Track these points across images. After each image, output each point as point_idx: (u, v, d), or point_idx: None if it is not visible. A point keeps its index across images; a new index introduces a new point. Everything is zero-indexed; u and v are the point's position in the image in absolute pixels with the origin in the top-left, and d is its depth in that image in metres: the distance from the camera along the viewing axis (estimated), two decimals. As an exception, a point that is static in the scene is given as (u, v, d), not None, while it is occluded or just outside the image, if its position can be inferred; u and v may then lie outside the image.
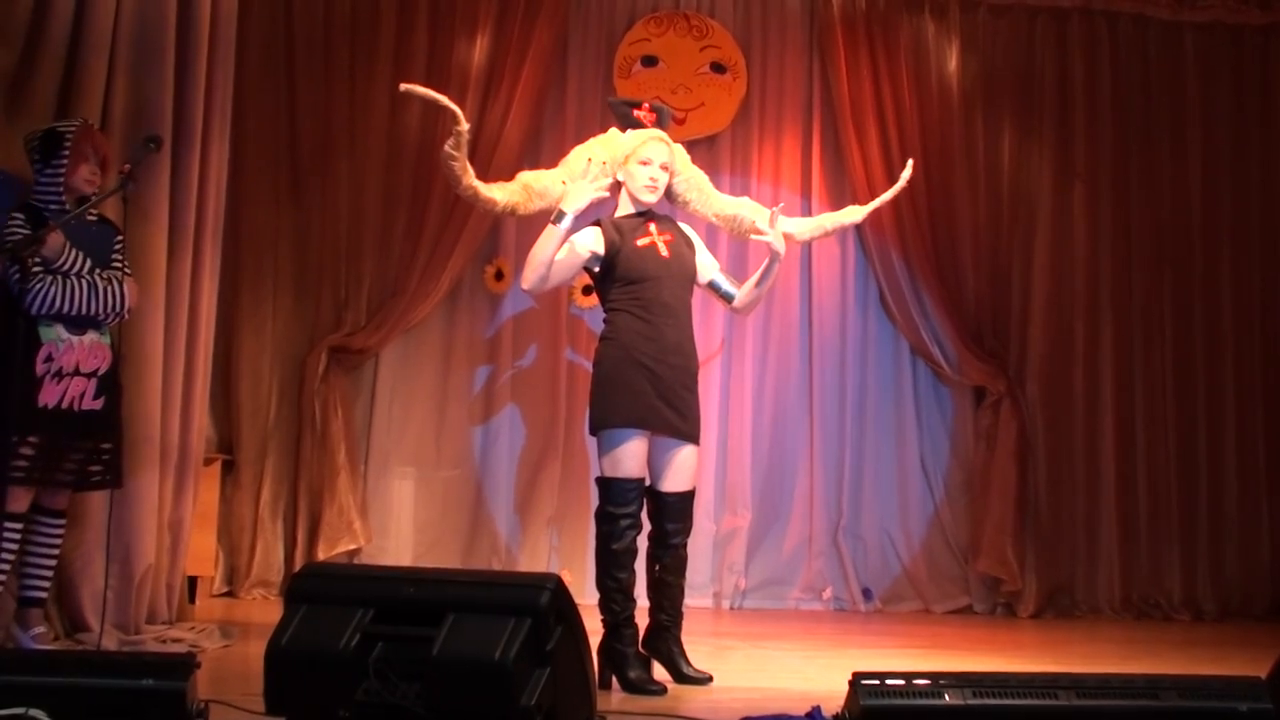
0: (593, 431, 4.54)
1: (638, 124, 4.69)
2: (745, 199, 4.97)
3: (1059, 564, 7.24)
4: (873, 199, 7.02)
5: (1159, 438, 7.41)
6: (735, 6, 7.43)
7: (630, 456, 4.43)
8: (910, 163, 5.14)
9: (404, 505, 6.96)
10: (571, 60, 7.28)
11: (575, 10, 7.27)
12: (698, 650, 5.59)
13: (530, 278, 4.57)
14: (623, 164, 4.62)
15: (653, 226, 4.62)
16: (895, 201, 6.98)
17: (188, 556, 5.42)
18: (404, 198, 6.96)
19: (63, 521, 4.57)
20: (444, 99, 4.52)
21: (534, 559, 6.91)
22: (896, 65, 7.31)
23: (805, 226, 5.06)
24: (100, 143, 4.62)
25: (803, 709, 3.79)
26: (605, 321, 4.60)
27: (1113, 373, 7.38)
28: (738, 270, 6.13)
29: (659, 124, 4.72)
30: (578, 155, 4.75)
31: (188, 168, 5.15)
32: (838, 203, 7.29)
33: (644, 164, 4.59)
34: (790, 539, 7.13)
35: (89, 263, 4.46)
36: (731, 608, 7.00)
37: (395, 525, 6.93)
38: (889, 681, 3.08)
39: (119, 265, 4.58)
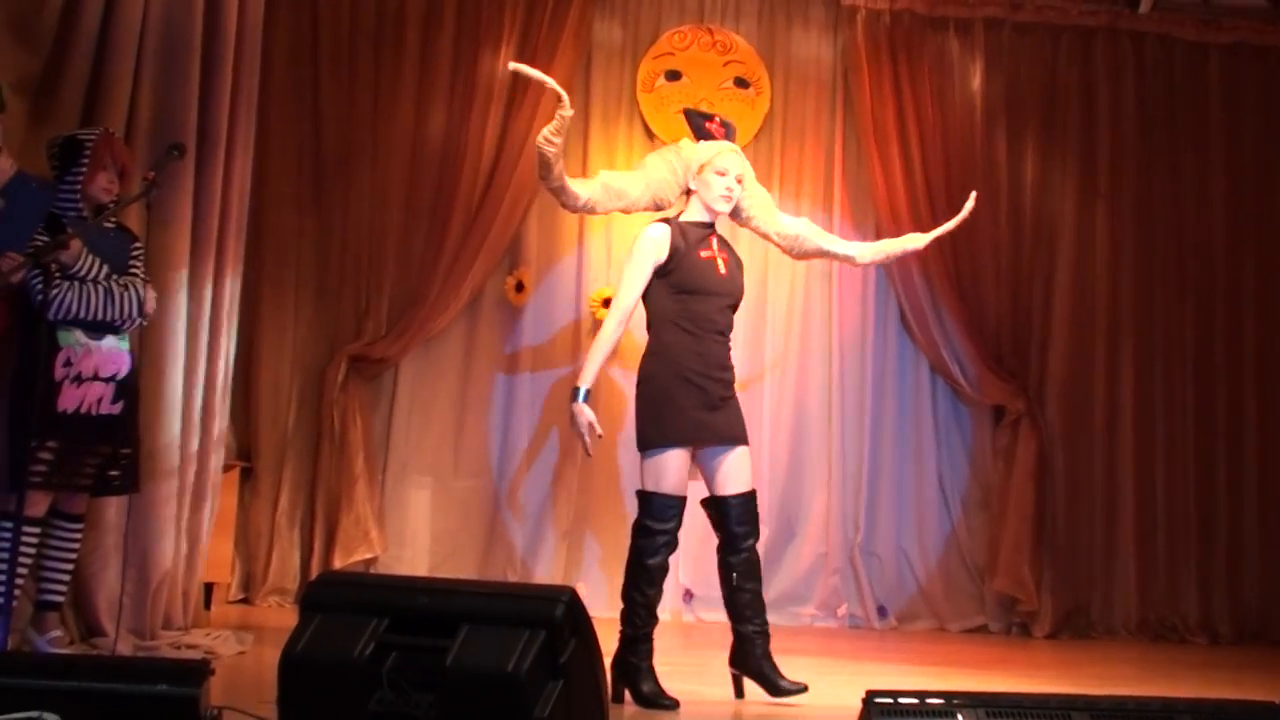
0: (642, 448, 4.50)
1: (709, 135, 4.68)
2: (804, 219, 4.97)
3: (1075, 584, 7.21)
4: (893, 217, 7.12)
5: (1178, 459, 7.38)
6: (759, 22, 7.44)
7: (675, 473, 4.44)
8: (974, 195, 5.10)
9: (421, 515, 6.97)
10: (595, 73, 7.30)
11: (600, 23, 7.29)
12: (713, 665, 5.59)
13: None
14: (697, 172, 4.60)
15: (715, 241, 4.62)
16: (916, 219, 7.05)
17: (204, 563, 5.43)
18: (426, 208, 6.98)
19: (80, 526, 4.59)
20: (550, 80, 4.48)
21: (550, 571, 6.91)
22: (920, 83, 7.31)
23: (868, 251, 5.03)
24: (120, 151, 4.64)
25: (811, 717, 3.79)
26: (651, 333, 4.56)
27: (1132, 394, 7.35)
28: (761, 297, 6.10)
29: (728, 138, 4.72)
30: (655, 162, 4.71)
31: (211, 175, 5.17)
32: (859, 219, 7.32)
33: (720, 174, 4.57)
34: (806, 555, 7.12)
35: (106, 269, 4.49)
36: (746, 623, 6.97)
37: (412, 535, 6.95)
38: (902, 700, 3.07)
39: (137, 271, 4.60)
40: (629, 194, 4.62)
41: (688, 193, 4.64)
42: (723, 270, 4.57)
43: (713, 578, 6.94)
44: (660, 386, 4.45)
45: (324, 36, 7.00)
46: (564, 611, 3.09)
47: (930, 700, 3.15)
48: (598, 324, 7.07)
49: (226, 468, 6.04)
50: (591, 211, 4.74)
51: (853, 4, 7.33)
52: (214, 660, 3.82)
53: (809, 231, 4.86)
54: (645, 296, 4.57)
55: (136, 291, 4.54)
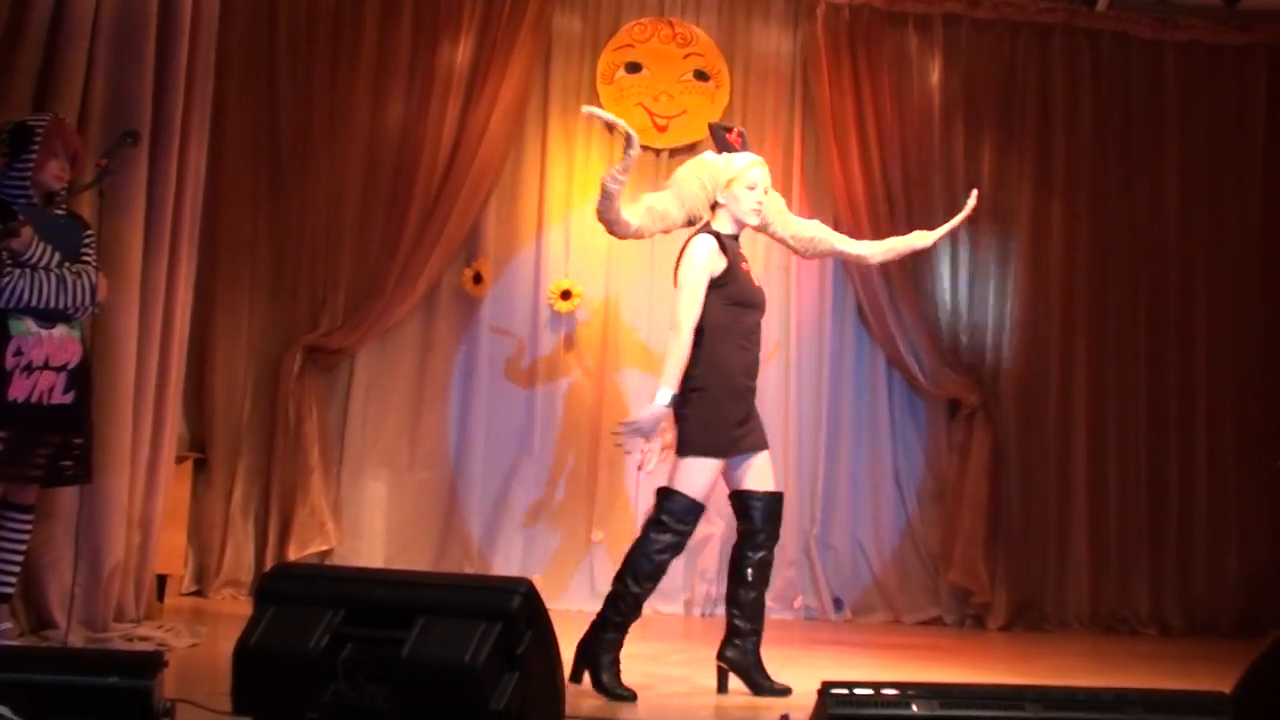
0: (683, 452, 4.51)
1: (731, 147, 4.72)
2: (816, 221, 5.03)
3: (1029, 577, 7.26)
4: (851, 211, 7.14)
5: (1130, 453, 7.45)
6: (719, 15, 7.44)
7: (708, 482, 4.52)
8: (975, 191, 5.16)
9: (377, 507, 6.94)
10: (555, 64, 7.28)
11: (560, 14, 7.28)
12: (669, 657, 5.60)
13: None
14: (725, 186, 4.62)
15: (742, 253, 4.67)
16: (874, 214, 7.09)
17: (157, 555, 5.39)
18: (383, 198, 6.95)
19: (31, 517, 4.53)
20: (622, 122, 4.47)
21: (506, 563, 6.90)
22: (879, 78, 7.34)
23: (878, 249, 5.08)
24: (71, 138, 4.58)
25: (772, 717, 3.80)
26: (704, 344, 4.53)
27: (1086, 388, 7.42)
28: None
29: (745, 147, 4.76)
30: (685, 177, 4.70)
31: (166, 163, 5.13)
32: (817, 213, 7.29)
33: (750, 188, 4.62)
34: (763, 548, 7.12)
35: (58, 256, 4.43)
36: (703, 615, 6.99)
37: (368, 527, 6.92)
38: (857, 691, 3.08)
39: (89, 259, 4.54)
40: (671, 214, 4.65)
41: (713, 205, 4.67)
42: (755, 283, 4.70)
43: (669, 570, 7.00)
44: (714, 398, 4.49)
45: (281, 26, 6.95)
46: (520, 603, 3.08)
47: (885, 691, 3.16)
48: (556, 316, 7.09)
49: (180, 459, 6.01)
50: (639, 237, 4.76)
51: (813, -2, 7.36)
52: (167, 652, 3.78)
53: (822, 233, 4.93)
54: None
55: (89, 279, 4.48)
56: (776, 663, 5.31)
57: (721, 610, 6.94)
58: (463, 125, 6.96)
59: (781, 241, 4.94)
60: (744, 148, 4.73)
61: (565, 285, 7.11)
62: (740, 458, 4.59)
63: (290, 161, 6.90)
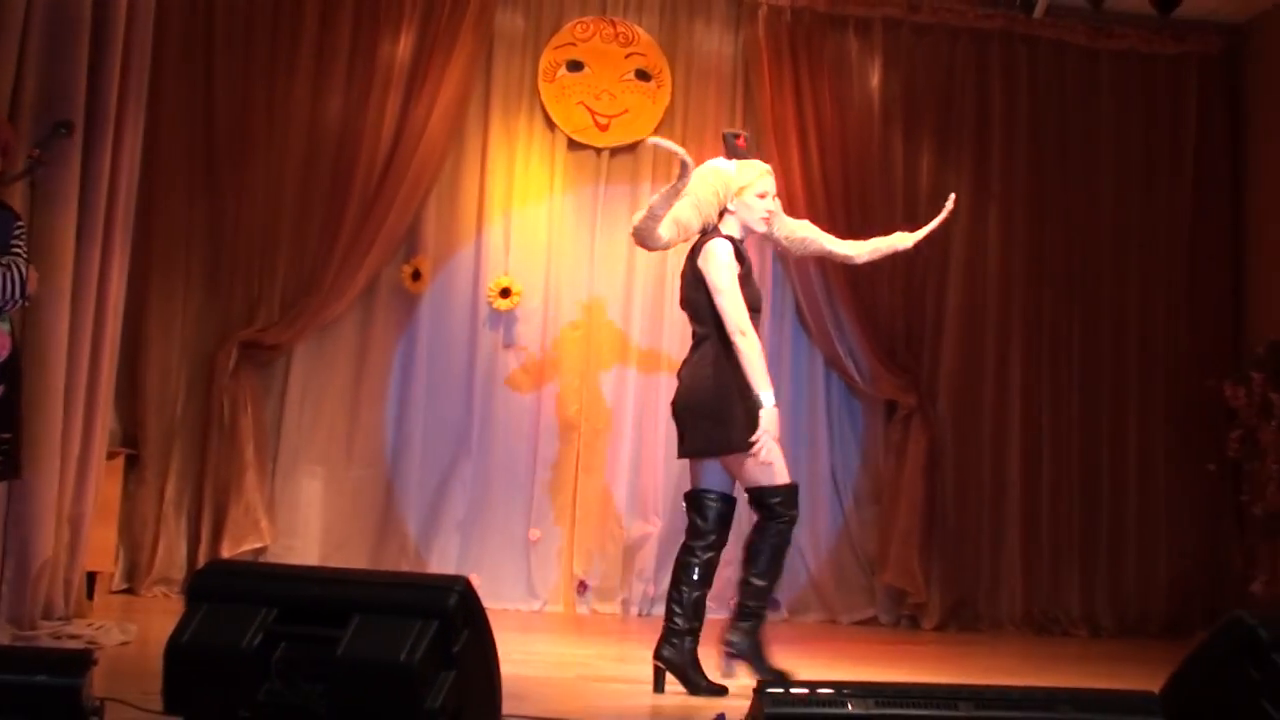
0: (740, 449, 4.49)
1: (741, 153, 4.79)
2: (806, 222, 5.06)
3: (963, 578, 7.33)
4: (790, 213, 7.13)
5: (1064, 456, 7.53)
6: (661, 15, 7.45)
7: (782, 458, 4.56)
8: (953, 196, 5.17)
9: (312, 504, 6.89)
10: (497, 61, 7.26)
11: (501, 11, 7.25)
12: (603, 656, 5.60)
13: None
14: (736, 194, 4.67)
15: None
16: (814, 215, 7.08)
17: (87, 551, 5.31)
18: (322, 194, 6.89)
19: (-42, 512, 4.46)
20: (682, 151, 4.48)
21: (443, 562, 6.87)
22: (819, 80, 7.38)
23: (863, 249, 5.08)
24: (2, 129, 4.49)
25: (708, 717, 3.80)
26: (715, 345, 4.57)
27: (1020, 390, 7.50)
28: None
29: (750, 149, 4.85)
30: (698, 185, 4.69)
31: (99, 155, 5.06)
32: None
33: (761, 197, 4.68)
34: (700, 547, 7.13)
35: (-12, 248, 4.35)
36: (640, 614, 6.99)
37: (303, 524, 6.86)
38: (793, 690, 3.09)
39: (19, 250, 4.45)
40: (691, 224, 4.67)
41: (722, 211, 4.70)
42: (757, 284, 4.75)
43: (606, 569, 7.03)
44: (733, 396, 4.51)
45: (219, 17, 6.88)
46: (457, 601, 3.06)
47: (820, 690, 3.18)
48: (495, 313, 7.07)
49: (111, 454, 5.93)
50: (667, 248, 4.80)
51: (754, 0, 7.37)
52: (96, 650, 3.72)
53: (812, 234, 4.96)
54: (704, 308, 4.59)
55: (19, 271, 4.39)
56: (712, 662, 5.32)
57: (659, 610, 7.01)
58: (403, 121, 6.92)
59: (775, 243, 4.98)
60: (751, 149, 4.83)
61: (505, 283, 7.09)
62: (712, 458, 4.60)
63: (227, 154, 6.83)
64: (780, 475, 4.52)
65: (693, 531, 4.65)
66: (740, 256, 4.60)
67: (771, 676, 4.36)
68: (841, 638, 6.66)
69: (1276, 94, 7.51)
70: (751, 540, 4.63)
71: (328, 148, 6.92)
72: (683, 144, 7.21)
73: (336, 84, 6.96)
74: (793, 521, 4.58)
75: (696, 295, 4.62)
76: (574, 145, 7.28)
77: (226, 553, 6.45)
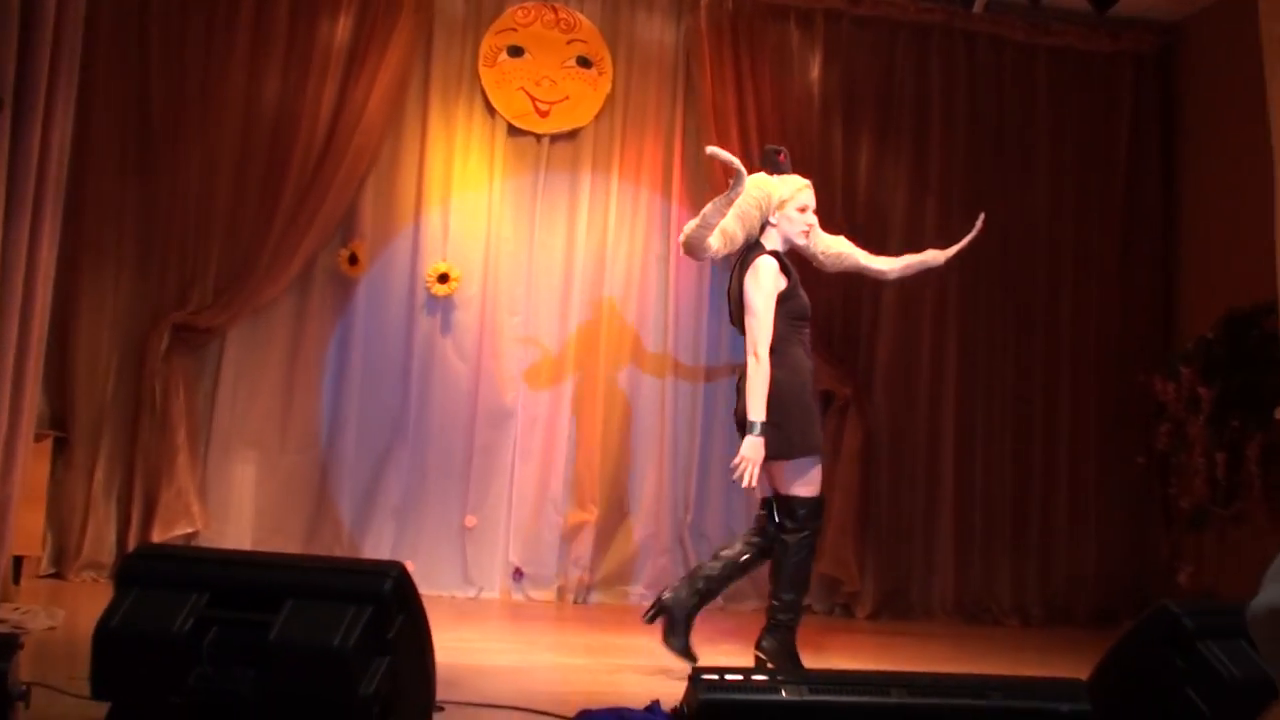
0: (789, 456, 4.72)
1: (780, 168, 4.96)
2: (842, 238, 5.23)
3: (896, 567, 7.39)
4: (728, 203, 7.16)
5: (996, 448, 7.61)
6: (603, 2, 7.43)
7: (819, 475, 4.83)
8: (982, 216, 5.32)
9: (245, 489, 6.82)
10: (437, 45, 7.21)
11: (443, -6, 7.21)
12: (538, 643, 5.60)
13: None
14: (778, 208, 4.85)
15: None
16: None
17: (13, 535, 5.23)
18: (257, 176, 6.82)
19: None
20: (737, 161, 4.68)
21: (378, 548, 6.83)
22: (760, 71, 7.39)
23: (896, 265, 5.31)
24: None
25: (642, 703, 3.81)
26: (777, 352, 4.73)
27: (955, 383, 7.56)
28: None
29: (788, 163, 5.01)
30: (747, 203, 4.84)
31: (28, 133, 4.97)
32: (697, 205, 7.33)
33: (802, 210, 4.89)
34: (636, 535, 7.16)
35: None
36: (576, 602, 6.99)
37: (235, 509, 6.79)
38: (728, 677, 3.10)
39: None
40: (738, 236, 4.86)
41: (764, 225, 4.87)
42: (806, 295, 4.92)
43: (543, 556, 7.03)
44: (800, 401, 4.75)
45: (154, -7, 6.78)
46: (392, 587, 3.05)
47: (755, 678, 3.19)
48: (433, 299, 7.03)
49: (39, 437, 5.84)
50: (715, 258, 4.99)
51: (696, -12, 7.38)
52: (22, 635, 3.68)
53: (848, 249, 5.18)
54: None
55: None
56: (648, 650, 5.34)
57: (595, 597, 7.04)
58: (341, 103, 6.86)
59: (812, 257, 5.14)
60: (789, 165, 4.99)
61: (443, 269, 7.05)
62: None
63: (161, 134, 6.74)
64: (812, 488, 4.78)
65: (782, 530, 4.85)
66: (787, 270, 4.79)
67: None
68: (775, 626, 6.67)
69: (1209, 93, 7.62)
70: (776, 557, 4.84)
71: (264, 129, 6.84)
72: (622, 131, 7.35)
73: (274, 64, 6.88)
74: (816, 534, 4.86)
75: (738, 311, 4.85)
76: (514, 131, 7.25)
77: (157, 537, 6.37)
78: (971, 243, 5.30)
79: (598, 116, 7.31)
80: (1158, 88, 7.95)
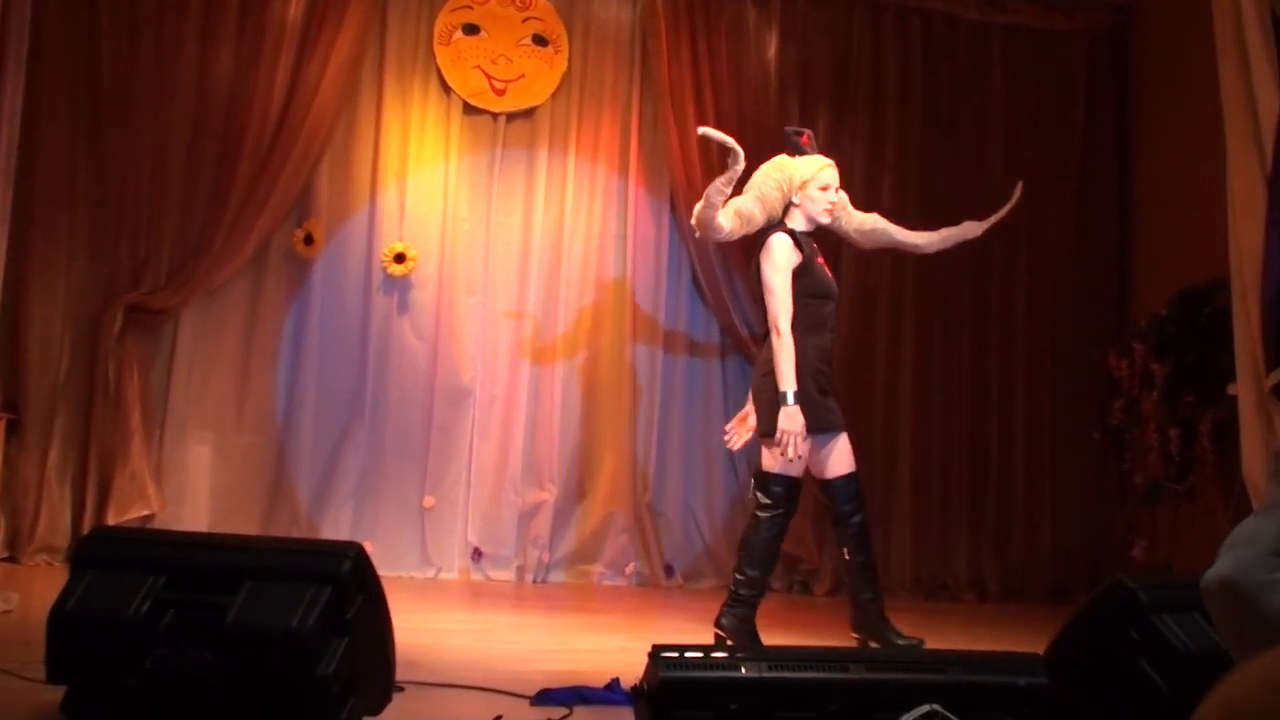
0: (772, 435, 4.80)
1: (804, 149, 5.05)
2: (875, 214, 5.35)
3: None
4: (687, 182, 7.17)
5: (953, 425, 7.66)
6: (559, -21, 7.39)
7: (848, 452, 4.92)
8: (1020, 184, 5.40)
9: (201, 471, 6.77)
10: (391, 23, 7.15)
11: (397, -29, 7.14)
12: (497, 623, 5.60)
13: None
14: (800, 188, 4.95)
15: (818, 247, 5.01)
16: (709, 184, 7.12)
17: (-34, 519, 5.18)
18: (211, 155, 6.75)
19: None
20: (731, 141, 4.83)
21: (336, 529, 6.80)
22: (717, 49, 7.37)
23: (933, 239, 5.44)
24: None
25: (602, 681, 3.82)
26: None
27: (912, 361, 7.60)
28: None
29: (814, 144, 5.10)
30: (763, 181, 5.01)
31: (-22, 111, 4.91)
32: (653, 184, 7.37)
33: (823, 189, 4.98)
34: (595, 514, 7.16)
35: None
36: (535, 581, 6.99)
37: (191, 492, 6.74)
38: (688, 655, 3.11)
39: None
40: (755, 217, 4.97)
41: (788, 205, 4.98)
42: (829, 274, 5.03)
43: (501, 536, 7.02)
44: (801, 385, 4.79)
45: (104, -30, 6.69)
46: (350, 567, 3.04)
47: (715, 655, 3.21)
48: (390, 279, 6.99)
49: (-9, 420, 5.78)
50: (730, 238, 5.10)
51: (652, -33, 7.36)
52: (-24, 619, 3.65)
53: (882, 225, 5.30)
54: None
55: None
56: (609, 628, 5.36)
57: (554, 577, 7.04)
58: (295, 81, 6.80)
59: (844, 234, 5.28)
60: (814, 146, 5.06)
61: (399, 248, 7.01)
62: (823, 437, 4.88)
63: (112, 111, 6.65)
64: (790, 468, 4.83)
65: (833, 517, 5.07)
66: (802, 248, 4.86)
67: None
68: (735, 604, 6.70)
69: (1162, 71, 7.67)
70: (746, 532, 4.94)
71: (217, 107, 6.77)
72: (579, 109, 7.32)
73: (226, 42, 6.81)
74: (789, 514, 4.92)
75: (761, 291, 4.91)
76: (470, 110, 7.21)
77: (112, 520, 6.32)
78: (1010, 213, 5.40)
79: (554, 95, 7.27)
80: (1111, 66, 8.00)
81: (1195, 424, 6.59)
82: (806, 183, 4.96)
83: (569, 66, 7.31)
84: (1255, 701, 0.68)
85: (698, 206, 4.93)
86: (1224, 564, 0.82)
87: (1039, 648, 3.44)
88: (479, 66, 7.18)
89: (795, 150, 5.07)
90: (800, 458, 4.79)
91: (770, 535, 4.88)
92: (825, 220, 5.03)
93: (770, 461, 4.86)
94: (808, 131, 5.16)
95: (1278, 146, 5.21)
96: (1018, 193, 5.39)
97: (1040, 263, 7.85)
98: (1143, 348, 6.95)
